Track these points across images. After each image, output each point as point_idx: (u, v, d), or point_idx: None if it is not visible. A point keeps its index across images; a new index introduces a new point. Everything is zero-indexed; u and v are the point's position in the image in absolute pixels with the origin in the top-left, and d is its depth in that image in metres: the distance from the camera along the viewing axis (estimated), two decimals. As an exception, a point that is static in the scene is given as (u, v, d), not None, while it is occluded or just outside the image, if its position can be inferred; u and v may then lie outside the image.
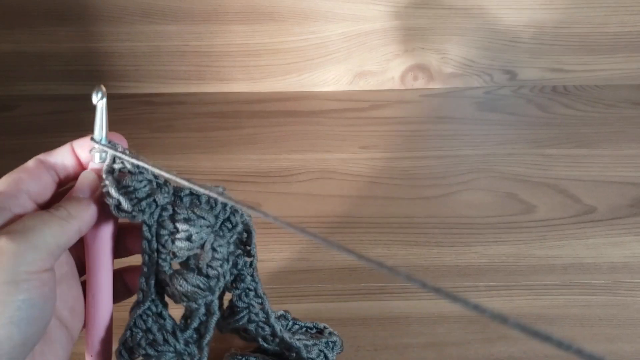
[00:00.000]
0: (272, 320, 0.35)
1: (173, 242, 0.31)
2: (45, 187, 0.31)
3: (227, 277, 0.32)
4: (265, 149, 0.65)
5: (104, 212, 0.30)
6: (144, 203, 0.30)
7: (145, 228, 0.30)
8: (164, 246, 0.31)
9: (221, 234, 0.32)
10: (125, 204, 0.29)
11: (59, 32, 0.69)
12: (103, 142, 0.31)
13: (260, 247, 0.34)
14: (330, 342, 0.41)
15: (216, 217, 0.32)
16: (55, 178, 0.31)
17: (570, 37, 0.72)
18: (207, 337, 0.32)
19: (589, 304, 0.47)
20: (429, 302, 0.47)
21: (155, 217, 0.31)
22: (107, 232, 0.31)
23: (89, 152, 0.31)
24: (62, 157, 0.31)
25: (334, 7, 0.69)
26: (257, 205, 0.55)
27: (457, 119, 0.70)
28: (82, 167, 0.32)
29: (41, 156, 0.31)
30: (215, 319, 0.33)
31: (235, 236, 0.33)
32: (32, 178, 0.30)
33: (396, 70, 0.74)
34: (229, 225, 0.32)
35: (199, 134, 0.67)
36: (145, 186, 0.30)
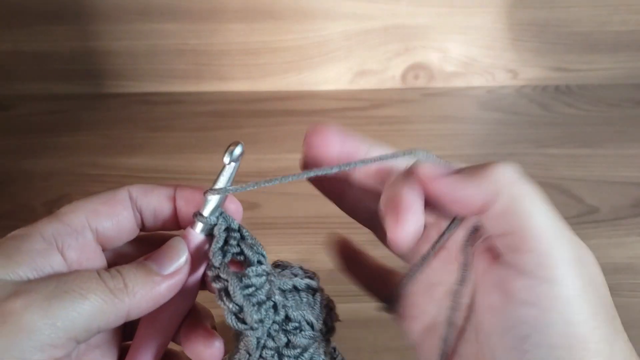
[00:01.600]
0: None
1: (280, 357, 0.24)
2: (121, 230, 0.24)
3: None
4: (264, 148, 0.64)
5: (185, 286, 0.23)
6: (263, 309, 0.23)
7: (253, 340, 0.23)
8: None
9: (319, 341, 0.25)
10: (250, 314, 0.22)
11: (57, 31, 0.69)
12: (212, 219, 0.24)
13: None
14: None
15: (317, 319, 0.25)
16: (138, 222, 0.25)
17: (572, 36, 0.71)
18: None
19: (593, 306, 0.46)
20: (430, 303, 0.46)
21: (268, 326, 0.23)
22: (179, 311, 0.24)
23: (191, 214, 0.24)
24: (159, 201, 0.25)
25: (334, 5, 0.69)
26: (255, 206, 0.55)
27: (458, 119, 0.69)
28: (175, 223, 0.25)
29: (136, 190, 0.25)
30: None
31: (330, 345, 0.26)
32: (110, 214, 0.23)
33: (397, 69, 0.73)
34: (324, 330, 0.26)
35: (198, 133, 0.67)
36: (265, 283, 0.23)
